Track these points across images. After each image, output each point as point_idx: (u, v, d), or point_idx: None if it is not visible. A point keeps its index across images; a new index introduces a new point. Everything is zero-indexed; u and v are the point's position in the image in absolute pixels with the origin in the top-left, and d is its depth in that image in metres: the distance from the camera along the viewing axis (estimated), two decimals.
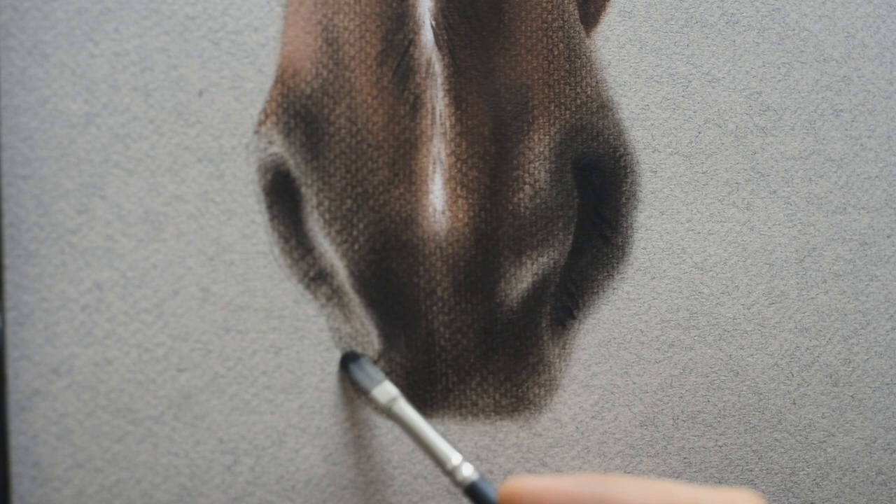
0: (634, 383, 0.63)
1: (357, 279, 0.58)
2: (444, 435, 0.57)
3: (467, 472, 0.51)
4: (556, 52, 0.62)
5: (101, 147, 0.53)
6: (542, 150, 0.61)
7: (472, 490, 0.50)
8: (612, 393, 0.62)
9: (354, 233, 0.58)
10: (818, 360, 0.66)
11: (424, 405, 0.58)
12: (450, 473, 0.51)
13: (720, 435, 0.64)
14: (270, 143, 0.56)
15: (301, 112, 0.57)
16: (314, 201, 0.57)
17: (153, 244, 0.54)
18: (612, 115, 0.63)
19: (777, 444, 0.65)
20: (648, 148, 0.64)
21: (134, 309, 0.54)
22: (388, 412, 0.54)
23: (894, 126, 0.69)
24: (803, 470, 0.66)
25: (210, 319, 0.55)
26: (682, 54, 0.64)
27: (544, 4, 0.61)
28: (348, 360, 0.57)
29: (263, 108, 0.56)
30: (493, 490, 0.50)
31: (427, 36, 0.59)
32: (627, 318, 0.63)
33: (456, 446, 0.58)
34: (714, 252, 0.65)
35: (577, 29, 0.62)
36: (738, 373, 0.65)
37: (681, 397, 0.63)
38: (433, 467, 0.58)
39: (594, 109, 0.62)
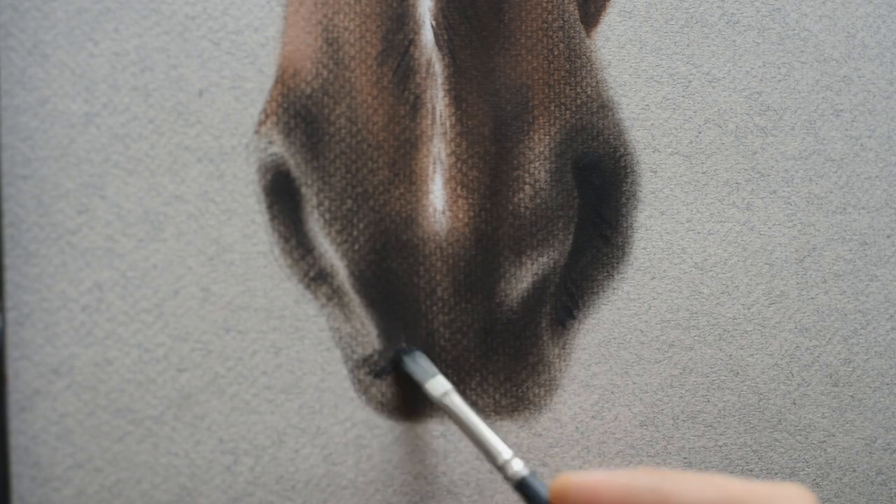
0: (634, 383, 0.63)
1: (357, 279, 0.58)
2: (493, 429, 0.58)
3: (518, 467, 0.51)
4: (556, 52, 0.62)
5: (101, 147, 0.53)
6: (542, 150, 0.61)
7: (522, 485, 0.50)
8: (612, 393, 0.62)
9: (354, 233, 0.58)
10: (818, 360, 0.66)
11: (425, 405, 0.58)
12: (501, 468, 0.51)
13: (720, 435, 0.64)
14: (270, 143, 0.56)
15: (301, 112, 0.57)
16: (314, 201, 0.57)
17: (153, 244, 0.54)
18: (612, 115, 0.63)
19: (777, 444, 0.65)
20: (648, 148, 0.64)
21: (134, 309, 0.54)
22: (441, 405, 0.55)
23: (894, 126, 0.69)
24: (803, 470, 0.66)
25: (210, 319, 0.55)
26: (682, 54, 0.64)
27: (544, 4, 0.61)
28: (403, 354, 0.57)
29: (263, 108, 0.56)
30: (543, 486, 0.50)
31: (427, 36, 0.59)
32: (627, 318, 0.63)
33: (506, 441, 0.58)
34: (714, 252, 0.65)
35: (577, 29, 0.62)
36: (738, 373, 0.65)
37: (681, 397, 0.63)
38: (433, 467, 0.58)
39: (594, 109, 0.62)
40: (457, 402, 0.55)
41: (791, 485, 0.45)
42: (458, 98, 0.59)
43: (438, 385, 0.56)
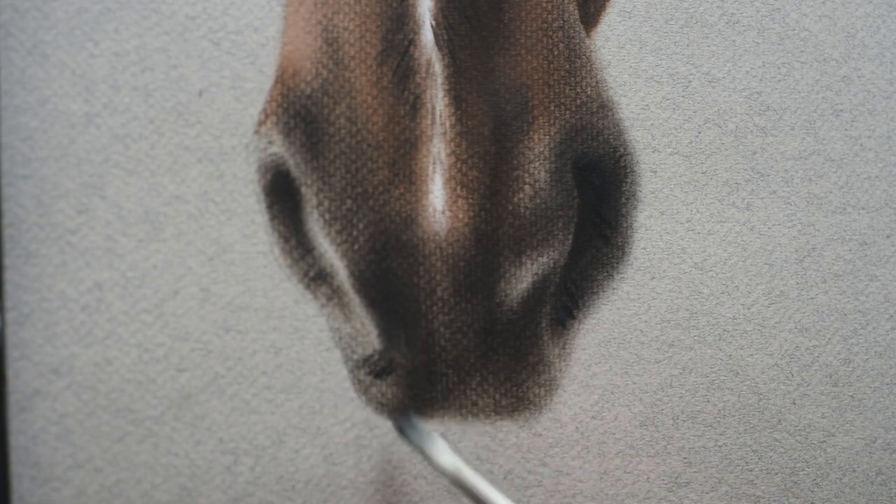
0: (634, 383, 0.63)
1: (357, 279, 0.58)
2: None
3: None
4: (556, 52, 0.62)
5: (101, 147, 0.53)
6: (542, 150, 0.61)
7: None
8: (612, 393, 0.62)
9: (354, 233, 0.58)
10: (818, 360, 0.66)
11: (424, 405, 0.58)
12: None
13: (720, 435, 0.64)
14: (270, 143, 0.56)
15: (301, 112, 0.57)
16: (314, 201, 0.57)
17: (153, 244, 0.54)
18: (612, 115, 0.63)
19: (777, 444, 0.65)
20: (648, 148, 0.64)
21: (134, 309, 0.54)
22: (453, 479, 0.55)
23: (894, 126, 0.69)
24: (803, 470, 0.66)
25: (210, 319, 0.55)
26: (682, 54, 0.64)
27: (544, 4, 0.61)
28: (401, 423, 0.57)
29: (263, 108, 0.56)
30: None
31: (427, 36, 0.59)
32: (627, 318, 0.63)
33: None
34: (714, 252, 0.65)
35: (577, 29, 0.62)
36: (738, 373, 0.65)
37: (681, 397, 0.63)
38: (433, 467, 0.58)
39: (594, 109, 0.62)
40: (469, 477, 0.54)
41: None
42: (458, 98, 0.59)
43: (443, 454, 0.55)
